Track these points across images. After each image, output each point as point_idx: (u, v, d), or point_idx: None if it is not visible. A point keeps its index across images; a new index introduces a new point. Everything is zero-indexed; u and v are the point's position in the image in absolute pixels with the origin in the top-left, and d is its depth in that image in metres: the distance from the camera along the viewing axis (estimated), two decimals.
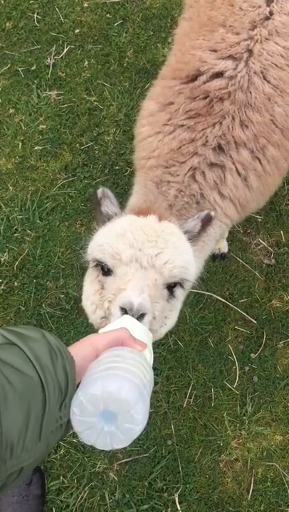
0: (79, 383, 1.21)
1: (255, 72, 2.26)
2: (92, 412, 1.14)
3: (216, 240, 2.46)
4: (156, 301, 1.83)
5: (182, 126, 2.25)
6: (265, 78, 2.26)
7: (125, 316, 1.67)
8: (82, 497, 2.89)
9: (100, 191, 2.09)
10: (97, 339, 1.32)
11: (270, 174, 2.35)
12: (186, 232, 2.04)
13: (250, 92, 2.24)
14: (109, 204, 2.08)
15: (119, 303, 1.74)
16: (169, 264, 1.85)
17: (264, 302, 3.39)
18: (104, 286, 1.89)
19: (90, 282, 1.97)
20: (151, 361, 1.44)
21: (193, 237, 2.07)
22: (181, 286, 1.97)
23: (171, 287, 1.92)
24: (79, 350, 1.27)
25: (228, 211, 2.33)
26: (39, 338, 1.20)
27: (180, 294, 1.99)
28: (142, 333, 1.52)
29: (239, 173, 2.27)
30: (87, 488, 2.91)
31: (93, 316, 1.92)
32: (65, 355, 1.20)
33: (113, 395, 1.13)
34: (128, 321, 1.58)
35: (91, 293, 1.94)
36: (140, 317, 1.72)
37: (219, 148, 2.24)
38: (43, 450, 1.15)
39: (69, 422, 1.18)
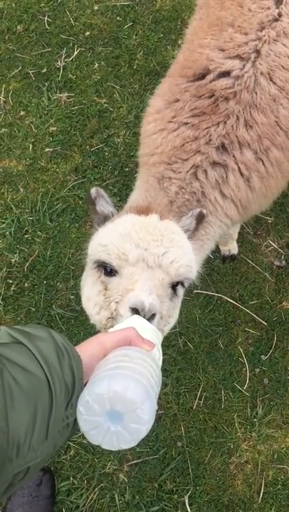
0: (86, 382, 1.21)
1: (261, 73, 2.25)
2: (98, 411, 1.14)
3: (216, 240, 2.44)
4: (163, 301, 1.82)
5: (186, 123, 2.25)
6: (271, 79, 2.25)
7: (134, 316, 1.66)
8: (92, 498, 2.89)
9: (93, 191, 2.06)
10: (105, 338, 1.31)
11: (272, 176, 2.34)
12: (185, 231, 2.03)
13: (256, 93, 2.23)
14: (104, 203, 2.06)
15: (130, 303, 1.72)
16: (175, 263, 1.84)
17: (274, 304, 3.38)
18: (108, 286, 1.87)
19: (92, 283, 1.94)
20: (160, 361, 1.43)
21: (191, 235, 2.06)
22: (183, 284, 1.96)
23: (174, 286, 1.91)
24: (87, 349, 1.27)
25: (228, 211, 2.31)
26: (46, 337, 1.20)
27: (181, 292, 1.99)
28: (151, 333, 1.51)
29: (242, 174, 2.26)
30: (97, 489, 2.91)
31: (97, 317, 1.90)
32: (72, 354, 1.20)
33: (119, 394, 1.12)
34: (137, 321, 1.58)
35: (94, 294, 1.92)
36: (151, 317, 1.71)
37: (222, 148, 2.23)
38: (50, 450, 1.15)
39: (76, 421, 1.18)
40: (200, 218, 2.08)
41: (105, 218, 2.04)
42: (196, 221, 2.08)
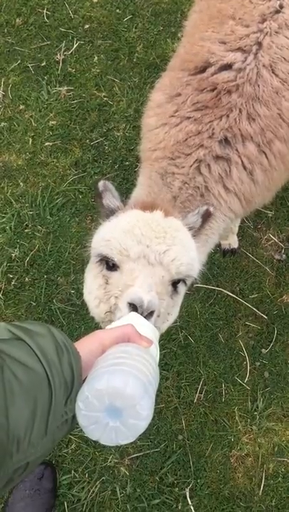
0: (85, 378, 1.21)
1: (263, 65, 2.23)
2: (97, 407, 1.15)
3: (220, 234, 2.44)
4: (162, 298, 1.82)
5: (189, 118, 2.23)
6: (273, 72, 2.23)
7: (132, 313, 1.66)
8: (93, 491, 2.90)
9: (100, 184, 2.06)
10: (103, 335, 1.32)
11: (276, 169, 2.33)
12: (189, 229, 2.01)
13: (258, 85, 2.21)
14: (110, 197, 2.05)
15: (128, 298, 1.72)
16: (176, 261, 1.84)
17: (275, 298, 3.38)
18: (109, 281, 1.87)
19: (94, 276, 1.95)
20: (157, 358, 1.44)
21: (195, 233, 2.05)
22: (184, 282, 1.96)
23: (175, 283, 1.91)
24: (85, 345, 1.27)
25: (232, 205, 2.30)
26: (45, 334, 1.20)
27: (182, 289, 1.98)
28: (149, 329, 1.52)
29: (245, 167, 2.25)
30: (98, 482, 2.93)
31: (96, 310, 1.91)
32: (72, 350, 1.21)
33: (118, 390, 1.13)
34: (135, 318, 1.58)
35: (95, 287, 1.92)
36: (149, 315, 1.71)
37: (225, 141, 2.22)
38: (49, 445, 1.16)
39: (74, 417, 1.19)
40: (206, 216, 2.07)
41: (111, 212, 2.03)
42: (202, 219, 2.06)
